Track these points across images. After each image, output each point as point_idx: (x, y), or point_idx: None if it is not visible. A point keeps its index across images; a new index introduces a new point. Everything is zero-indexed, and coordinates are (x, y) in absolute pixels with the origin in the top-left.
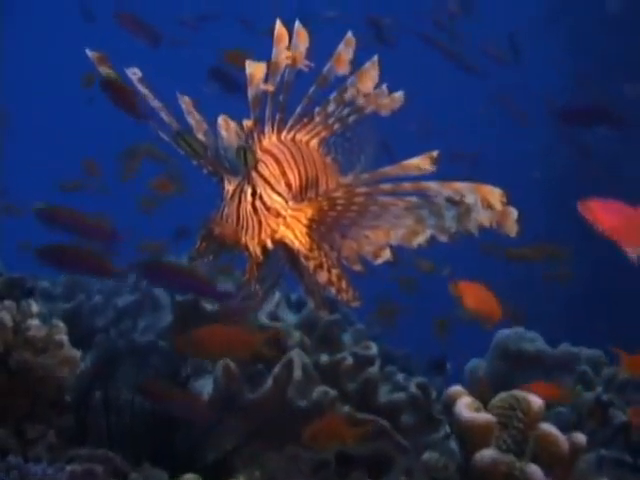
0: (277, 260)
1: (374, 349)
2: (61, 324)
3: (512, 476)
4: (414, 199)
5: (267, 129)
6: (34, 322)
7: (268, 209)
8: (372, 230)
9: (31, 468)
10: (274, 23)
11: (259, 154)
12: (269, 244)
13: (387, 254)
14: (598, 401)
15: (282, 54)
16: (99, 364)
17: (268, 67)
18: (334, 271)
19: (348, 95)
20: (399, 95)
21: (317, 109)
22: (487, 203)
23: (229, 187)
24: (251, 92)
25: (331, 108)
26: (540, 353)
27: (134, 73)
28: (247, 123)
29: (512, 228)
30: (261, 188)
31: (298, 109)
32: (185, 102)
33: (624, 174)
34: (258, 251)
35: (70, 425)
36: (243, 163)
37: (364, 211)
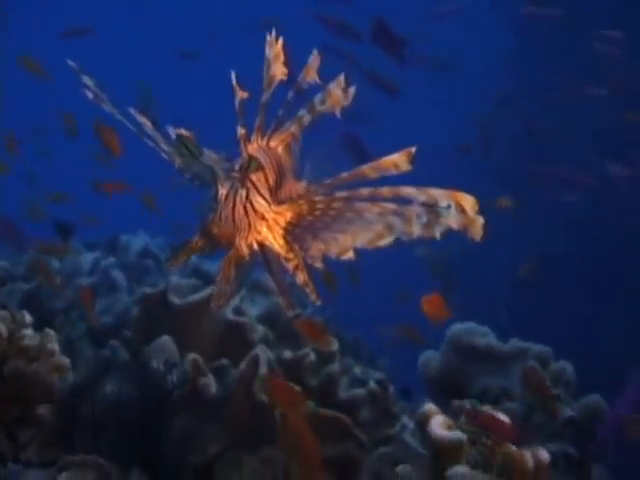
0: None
1: (335, 345)
2: (52, 333)
3: None
4: (389, 206)
5: (253, 136)
6: (27, 332)
7: (256, 212)
8: (342, 233)
9: (27, 476)
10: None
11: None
12: (255, 245)
13: (351, 254)
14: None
15: (279, 69)
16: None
17: (265, 80)
18: (305, 271)
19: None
20: (351, 90)
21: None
22: (461, 209)
23: (223, 191)
24: (271, 70)
25: (301, 113)
26: (491, 347)
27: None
28: (240, 131)
29: (478, 233)
30: (251, 192)
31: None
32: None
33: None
34: (246, 251)
35: (59, 429)
36: (247, 169)
37: (340, 216)
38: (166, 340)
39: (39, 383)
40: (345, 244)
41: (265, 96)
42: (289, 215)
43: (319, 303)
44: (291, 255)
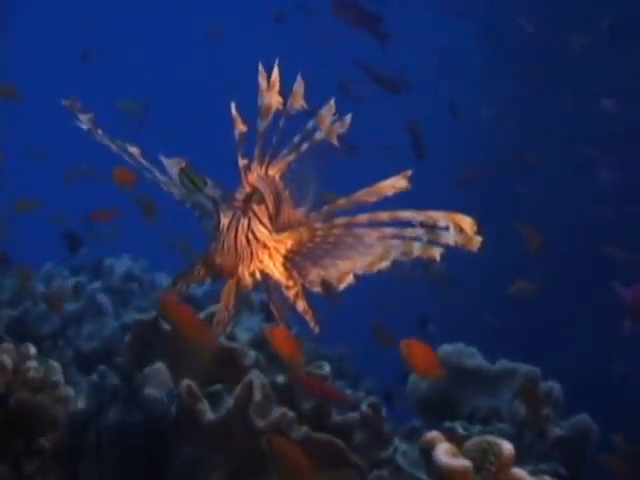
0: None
1: (327, 368)
2: (56, 365)
3: None
4: (388, 230)
5: (253, 165)
6: (32, 364)
7: (258, 241)
8: (342, 259)
9: None
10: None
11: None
12: (257, 274)
13: (351, 279)
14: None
15: (274, 98)
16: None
17: (260, 109)
18: (304, 299)
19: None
20: (347, 119)
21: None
22: (459, 229)
23: (225, 220)
24: (266, 99)
25: (296, 140)
26: (479, 368)
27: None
28: (242, 162)
29: (476, 249)
30: (253, 221)
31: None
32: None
33: None
34: (249, 280)
35: (62, 459)
36: (249, 201)
37: (340, 242)
38: (160, 366)
39: (43, 414)
40: (345, 269)
41: (262, 126)
42: (289, 243)
43: (317, 331)
44: (291, 283)
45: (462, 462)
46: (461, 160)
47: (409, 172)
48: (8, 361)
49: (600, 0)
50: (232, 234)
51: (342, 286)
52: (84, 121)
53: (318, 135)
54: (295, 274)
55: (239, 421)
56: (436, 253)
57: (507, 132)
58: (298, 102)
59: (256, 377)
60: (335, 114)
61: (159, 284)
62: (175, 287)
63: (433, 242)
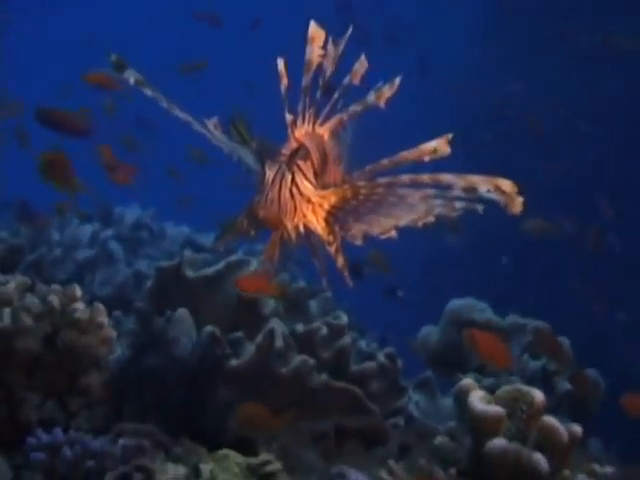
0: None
1: (345, 318)
2: (101, 307)
3: (519, 463)
4: (430, 191)
5: (299, 121)
6: (79, 305)
7: (302, 195)
8: (386, 217)
9: (91, 443)
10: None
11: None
12: (301, 227)
13: (393, 234)
14: (544, 370)
15: (315, 53)
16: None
17: (304, 65)
18: (343, 255)
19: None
20: (396, 83)
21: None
22: (501, 192)
23: (270, 174)
24: (308, 54)
25: (336, 96)
26: (490, 323)
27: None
28: (289, 117)
29: (518, 209)
30: (297, 176)
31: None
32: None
33: None
34: (293, 233)
35: (106, 398)
36: (296, 156)
37: (383, 201)
38: (184, 313)
39: (89, 354)
40: (388, 224)
41: (305, 80)
42: (333, 199)
43: (351, 285)
44: (331, 238)
45: (496, 409)
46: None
47: (450, 135)
48: (56, 302)
49: None
50: (276, 187)
51: (384, 237)
52: (131, 76)
53: (369, 99)
54: (336, 229)
55: (262, 367)
56: (478, 206)
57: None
58: (357, 79)
59: (277, 325)
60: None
61: (169, 233)
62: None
63: (475, 200)
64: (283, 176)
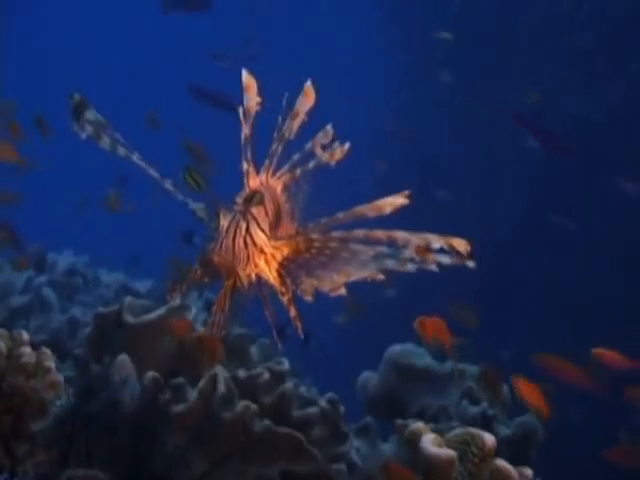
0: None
1: (286, 364)
2: (48, 351)
3: None
4: (384, 250)
5: (253, 171)
6: (26, 349)
7: (255, 245)
8: (337, 273)
9: None
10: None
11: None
12: (253, 277)
13: (343, 291)
14: (483, 415)
15: (252, 101)
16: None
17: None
18: (295, 306)
19: (308, 148)
20: (347, 146)
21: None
22: (454, 251)
23: (224, 222)
24: (245, 102)
25: (296, 158)
26: (428, 368)
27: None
28: (245, 165)
29: (471, 266)
30: (251, 225)
31: (274, 157)
32: None
33: None
34: (246, 282)
35: (52, 445)
36: (250, 202)
37: (335, 256)
38: (124, 358)
39: (36, 399)
40: (338, 281)
41: (244, 129)
42: (286, 251)
43: (302, 337)
44: (284, 289)
45: (448, 452)
46: None
47: (408, 192)
48: (2, 346)
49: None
50: (231, 235)
51: (333, 295)
52: (88, 120)
53: (323, 158)
54: (288, 282)
55: (205, 412)
56: (432, 266)
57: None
58: (318, 150)
59: (219, 370)
60: (333, 139)
61: (103, 280)
62: (175, 289)
63: (427, 260)
64: (237, 224)
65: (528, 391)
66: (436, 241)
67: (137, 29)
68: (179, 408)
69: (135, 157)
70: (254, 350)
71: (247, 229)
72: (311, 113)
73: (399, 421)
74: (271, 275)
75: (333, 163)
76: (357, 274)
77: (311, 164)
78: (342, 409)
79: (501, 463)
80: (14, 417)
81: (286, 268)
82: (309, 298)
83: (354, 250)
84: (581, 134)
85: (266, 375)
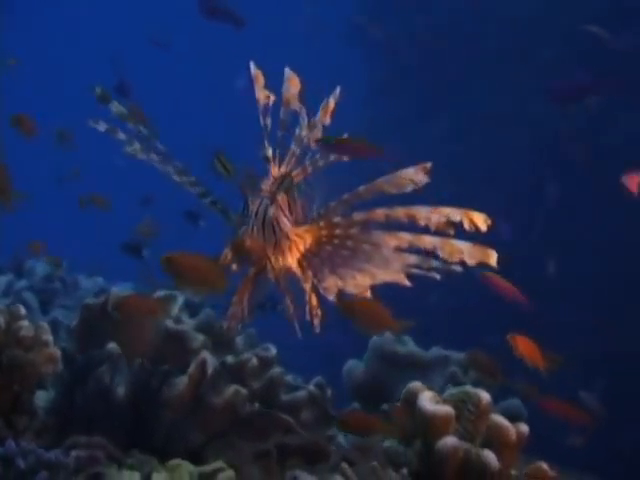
0: (264, 283)
1: (273, 350)
2: (46, 325)
3: (469, 460)
4: (405, 237)
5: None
6: (24, 323)
7: (282, 230)
8: (361, 272)
9: (45, 454)
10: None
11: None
12: (281, 264)
13: (368, 293)
14: None
15: (260, 93)
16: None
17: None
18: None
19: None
20: (335, 95)
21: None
22: (474, 225)
23: (253, 207)
24: (256, 93)
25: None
26: (413, 355)
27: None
28: (269, 152)
29: (493, 264)
30: (279, 212)
31: (291, 150)
32: None
33: None
34: (276, 268)
35: (52, 417)
36: (280, 186)
37: (358, 248)
38: (114, 347)
39: (34, 373)
40: (363, 283)
41: (261, 121)
42: (309, 240)
43: (318, 330)
44: (306, 277)
45: (446, 408)
46: None
47: (428, 164)
48: (1, 320)
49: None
50: (260, 220)
51: (359, 297)
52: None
53: (333, 156)
54: (309, 274)
55: (195, 397)
56: (454, 267)
57: None
58: (326, 116)
59: (208, 356)
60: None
61: (82, 284)
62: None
63: (450, 256)
64: (266, 210)
65: (526, 347)
66: (456, 215)
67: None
68: (169, 393)
69: (154, 154)
70: (239, 340)
71: (275, 215)
72: (302, 96)
73: (385, 406)
74: (294, 263)
75: (328, 120)
76: (380, 275)
77: (320, 162)
78: (330, 393)
79: (498, 419)
80: (14, 391)
81: (309, 261)
82: (332, 296)
83: (375, 241)
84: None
85: (254, 360)
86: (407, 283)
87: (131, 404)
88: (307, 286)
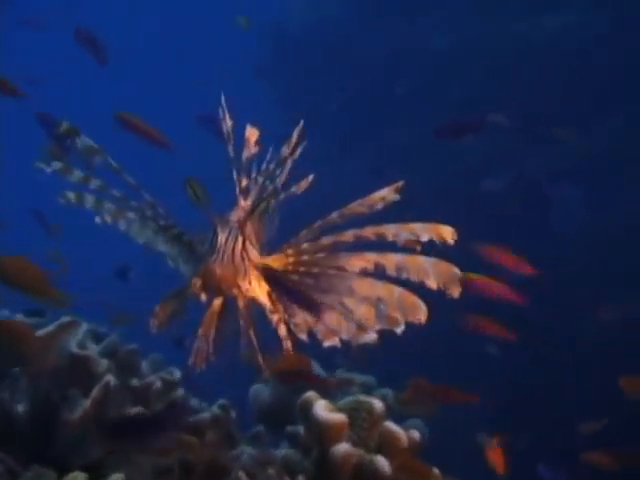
0: (232, 316)
1: (178, 374)
2: None
3: (362, 466)
4: (371, 256)
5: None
6: None
7: (250, 260)
8: (328, 311)
9: None
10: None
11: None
12: (250, 292)
13: (336, 341)
14: None
15: (250, 150)
16: None
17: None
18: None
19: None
20: (311, 178)
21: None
22: (441, 239)
23: (222, 236)
24: (246, 153)
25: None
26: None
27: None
28: (244, 183)
29: (456, 292)
30: (247, 240)
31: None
32: None
33: None
34: (244, 299)
35: None
36: (256, 208)
37: (322, 274)
38: (17, 371)
39: None
40: (331, 326)
41: (237, 176)
42: (277, 269)
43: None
44: (274, 308)
45: (339, 415)
46: None
47: (400, 183)
48: None
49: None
50: (230, 248)
51: (326, 344)
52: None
53: (293, 189)
54: (279, 305)
55: (98, 419)
56: (421, 315)
57: None
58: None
59: (112, 379)
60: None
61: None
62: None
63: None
64: (236, 239)
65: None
66: (423, 231)
67: None
68: (74, 415)
69: (127, 176)
70: (145, 365)
71: (243, 243)
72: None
73: (289, 428)
74: (263, 294)
75: (300, 193)
76: (347, 324)
77: (282, 194)
78: (233, 414)
79: (390, 425)
80: None
81: (278, 292)
82: (304, 336)
83: (342, 265)
84: None
85: (158, 383)
86: (373, 337)
87: (31, 420)
88: (276, 316)
